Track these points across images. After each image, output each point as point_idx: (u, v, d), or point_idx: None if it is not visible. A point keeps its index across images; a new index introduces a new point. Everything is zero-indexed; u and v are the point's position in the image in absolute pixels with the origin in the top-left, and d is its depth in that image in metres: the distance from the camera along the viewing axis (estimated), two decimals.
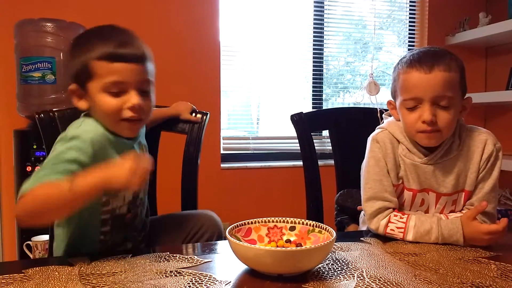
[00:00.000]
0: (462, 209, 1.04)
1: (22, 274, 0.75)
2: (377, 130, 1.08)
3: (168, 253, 0.85)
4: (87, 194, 0.77)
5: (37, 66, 1.82)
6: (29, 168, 1.80)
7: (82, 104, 0.94)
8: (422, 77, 0.95)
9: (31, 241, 1.77)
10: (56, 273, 0.76)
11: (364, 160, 1.07)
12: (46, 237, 1.74)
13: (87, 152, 0.85)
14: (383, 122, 1.10)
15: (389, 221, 0.98)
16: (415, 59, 0.97)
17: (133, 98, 0.90)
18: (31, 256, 1.76)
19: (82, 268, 0.78)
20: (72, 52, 0.93)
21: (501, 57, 2.81)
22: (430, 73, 0.94)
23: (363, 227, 1.18)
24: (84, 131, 0.88)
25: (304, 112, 1.39)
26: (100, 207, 0.93)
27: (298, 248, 0.74)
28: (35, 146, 1.81)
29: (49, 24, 1.83)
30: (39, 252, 1.75)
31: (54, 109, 1.15)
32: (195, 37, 2.33)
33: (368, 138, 1.07)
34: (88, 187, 0.76)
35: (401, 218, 0.97)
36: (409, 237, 0.95)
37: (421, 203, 1.04)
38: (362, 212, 1.19)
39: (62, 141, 0.87)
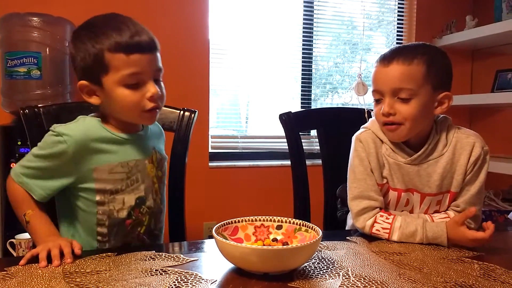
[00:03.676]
0: (446, 210, 1.05)
1: (5, 272, 0.74)
2: (360, 130, 1.09)
3: (154, 251, 0.85)
4: (29, 231, 0.90)
5: (23, 61, 1.79)
6: (13, 165, 1.77)
7: (94, 100, 0.92)
8: (381, 71, 0.99)
9: (14, 239, 1.74)
10: (40, 271, 0.75)
11: (349, 159, 1.07)
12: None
13: (60, 154, 0.88)
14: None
15: (375, 221, 0.99)
16: (383, 54, 1.01)
17: (151, 88, 0.89)
18: (14, 254, 1.74)
19: (66, 266, 0.77)
20: (79, 45, 0.89)
21: (487, 60, 2.85)
22: (388, 66, 0.97)
23: (350, 223, 1.19)
24: (72, 130, 0.90)
25: (292, 112, 1.39)
26: (95, 206, 0.92)
27: (284, 246, 0.74)
28: (19, 142, 1.78)
29: (35, 18, 1.80)
30: (23, 250, 1.72)
31: (39, 105, 1.13)
32: (185, 35, 2.32)
33: (352, 137, 1.08)
34: (30, 232, 0.90)
35: (387, 218, 0.98)
36: (394, 237, 0.96)
37: (406, 203, 1.05)
38: (349, 214, 1.19)
39: (49, 132, 0.91)
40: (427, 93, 0.97)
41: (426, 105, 0.97)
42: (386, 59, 0.98)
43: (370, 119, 1.11)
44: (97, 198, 0.92)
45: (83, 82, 0.91)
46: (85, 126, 0.92)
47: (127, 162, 0.94)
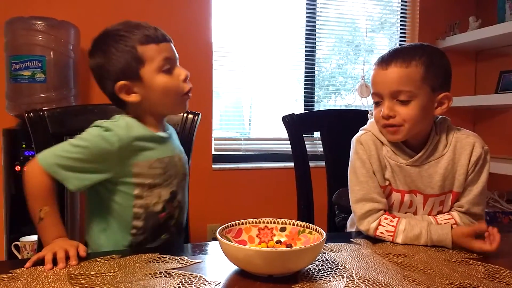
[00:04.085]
0: (450, 210, 1.04)
1: (10, 275, 0.74)
2: (360, 132, 1.08)
3: (158, 253, 0.85)
4: (40, 229, 0.89)
5: (27, 64, 1.80)
6: (18, 168, 1.78)
7: (133, 98, 0.96)
8: (380, 73, 0.99)
9: (19, 241, 1.75)
10: (44, 273, 0.75)
11: (350, 162, 1.07)
12: (34, 237, 1.73)
13: (105, 148, 0.90)
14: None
15: (379, 224, 0.98)
16: (381, 57, 1.01)
17: (182, 71, 0.99)
18: (19, 256, 1.74)
19: (71, 269, 0.77)
20: (110, 50, 0.94)
21: (490, 61, 2.85)
22: (387, 69, 0.97)
23: (350, 229, 1.19)
24: (118, 127, 0.93)
25: (295, 114, 1.39)
26: (133, 199, 0.96)
27: (288, 248, 0.74)
28: (24, 146, 1.79)
29: (39, 22, 1.81)
30: (28, 253, 1.73)
31: (43, 108, 1.14)
32: (188, 38, 2.33)
33: (352, 139, 1.08)
34: (41, 230, 0.89)
35: (391, 221, 0.98)
36: (399, 240, 0.96)
37: (409, 205, 1.04)
38: (351, 216, 1.19)
39: (95, 127, 0.93)
40: (427, 94, 0.97)
41: (425, 106, 0.97)
42: (384, 62, 0.98)
43: (369, 121, 1.10)
44: (136, 192, 0.95)
45: (120, 82, 0.94)
46: (127, 125, 0.95)
47: (163, 158, 0.99)
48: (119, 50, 0.93)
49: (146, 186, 0.96)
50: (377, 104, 1.02)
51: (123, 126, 0.94)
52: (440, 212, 1.04)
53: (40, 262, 0.79)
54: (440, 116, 1.05)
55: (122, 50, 0.93)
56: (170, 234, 1.03)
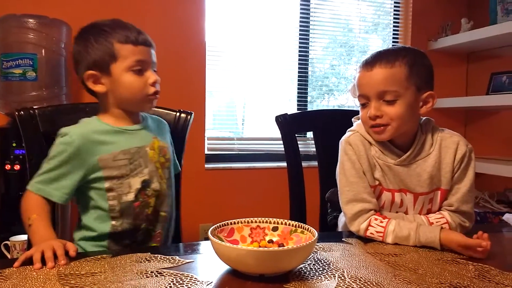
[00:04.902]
0: (440, 209, 1.05)
1: None
2: (348, 133, 1.09)
3: (149, 253, 0.85)
4: (30, 234, 0.93)
5: (18, 62, 1.78)
6: (8, 167, 1.76)
7: (99, 88, 1.02)
8: (365, 75, 1.00)
9: (9, 241, 1.74)
10: (34, 273, 0.74)
11: (339, 163, 1.07)
12: (24, 237, 1.71)
13: (66, 150, 0.97)
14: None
15: (369, 225, 0.99)
16: (365, 59, 1.02)
17: (152, 75, 1.03)
18: (9, 256, 1.73)
19: (61, 269, 0.76)
20: (90, 40, 1.00)
21: (482, 63, 2.87)
22: (371, 70, 0.99)
23: (342, 228, 1.19)
24: (74, 127, 1.00)
25: (288, 114, 1.39)
26: (105, 193, 1.00)
27: (280, 248, 0.74)
28: (14, 144, 1.77)
29: (31, 20, 1.79)
30: (17, 252, 1.72)
31: (34, 107, 1.13)
32: (181, 37, 2.32)
33: (340, 141, 1.08)
34: (30, 235, 0.92)
35: (381, 222, 0.98)
36: (389, 240, 0.96)
37: (400, 204, 1.05)
38: (341, 214, 1.19)
39: (57, 137, 0.99)
40: (412, 93, 0.99)
41: (411, 105, 0.99)
42: (369, 64, 1.00)
43: (355, 122, 1.11)
44: (106, 185, 1.00)
45: (90, 71, 1.00)
46: (86, 123, 1.03)
47: (129, 149, 1.02)
48: (98, 43, 0.99)
49: (114, 178, 1.00)
50: (363, 105, 1.03)
51: (80, 125, 1.02)
52: (429, 210, 1.05)
53: (29, 261, 0.78)
54: (425, 118, 1.07)
55: (101, 43, 0.99)
56: (149, 223, 1.05)
